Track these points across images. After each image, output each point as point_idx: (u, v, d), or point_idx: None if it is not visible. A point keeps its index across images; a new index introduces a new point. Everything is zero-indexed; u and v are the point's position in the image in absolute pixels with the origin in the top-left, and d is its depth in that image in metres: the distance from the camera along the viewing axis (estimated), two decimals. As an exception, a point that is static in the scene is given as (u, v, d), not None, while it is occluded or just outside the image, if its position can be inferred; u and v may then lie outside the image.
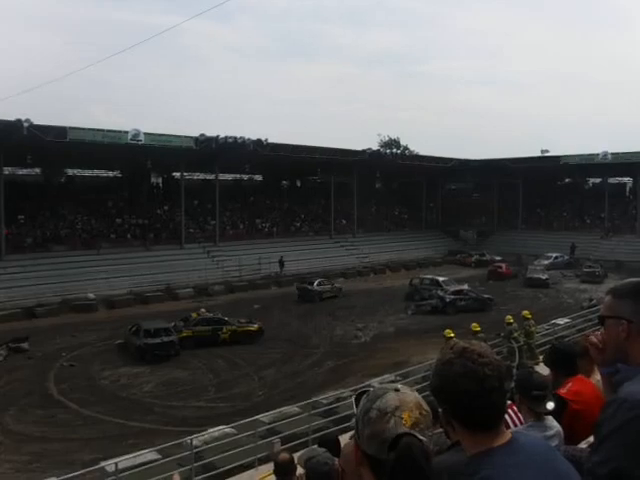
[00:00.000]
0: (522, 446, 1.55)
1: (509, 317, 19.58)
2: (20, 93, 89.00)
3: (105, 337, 26.00)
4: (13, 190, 36.02)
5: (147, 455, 12.02)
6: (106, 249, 38.67)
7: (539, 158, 54.39)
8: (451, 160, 56.21)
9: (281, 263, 42.12)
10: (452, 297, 31.59)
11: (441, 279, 35.73)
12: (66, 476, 10.51)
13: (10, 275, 33.05)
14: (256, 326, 25.99)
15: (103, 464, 11.55)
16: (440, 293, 32.20)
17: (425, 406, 1.52)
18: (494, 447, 1.53)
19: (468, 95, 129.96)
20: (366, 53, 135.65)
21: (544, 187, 57.54)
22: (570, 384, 3.86)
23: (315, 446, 5.23)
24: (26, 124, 31.37)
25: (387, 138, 78.88)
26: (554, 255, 47.21)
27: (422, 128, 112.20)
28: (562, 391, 3.79)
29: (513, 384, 3.71)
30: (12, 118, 31.20)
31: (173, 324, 24.91)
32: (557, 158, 52.90)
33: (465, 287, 33.93)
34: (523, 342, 18.42)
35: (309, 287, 35.64)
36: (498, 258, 48.02)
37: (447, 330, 17.47)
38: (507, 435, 1.57)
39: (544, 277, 39.54)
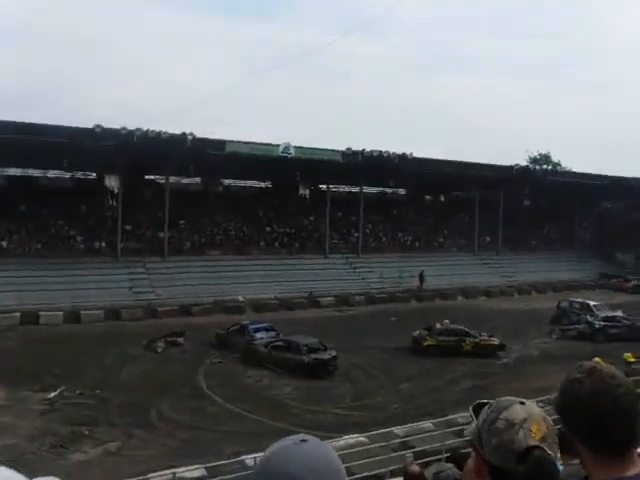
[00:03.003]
0: None
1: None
2: (184, 108, 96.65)
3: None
4: (176, 197, 39.30)
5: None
6: (255, 255, 40.97)
7: None
8: (606, 177, 52.51)
9: (421, 277, 41.91)
10: (603, 323, 29.56)
11: (592, 303, 33.54)
12: (211, 464, 11.42)
13: (171, 275, 36.15)
14: (498, 341, 26.33)
15: (244, 457, 12.39)
16: (589, 318, 30.29)
17: (550, 421, 1.48)
18: (625, 476, 1.45)
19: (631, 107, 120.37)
20: (513, 64, 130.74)
21: None
22: None
23: (444, 462, 5.34)
24: (190, 137, 34.22)
25: (536, 153, 75.62)
26: None
27: (576, 143, 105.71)
28: None
29: None
30: (178, 132, 34.21)
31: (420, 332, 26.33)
32: None
33: (619, 314, 31.62)
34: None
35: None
36: None
37: (627, 354, 16.45)
38: None
39: None
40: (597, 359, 16.29)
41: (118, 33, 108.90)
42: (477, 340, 25.93)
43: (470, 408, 1.63)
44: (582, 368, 1.54)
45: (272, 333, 25.76)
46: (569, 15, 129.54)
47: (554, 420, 1.57)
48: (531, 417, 1.45)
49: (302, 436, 1.32)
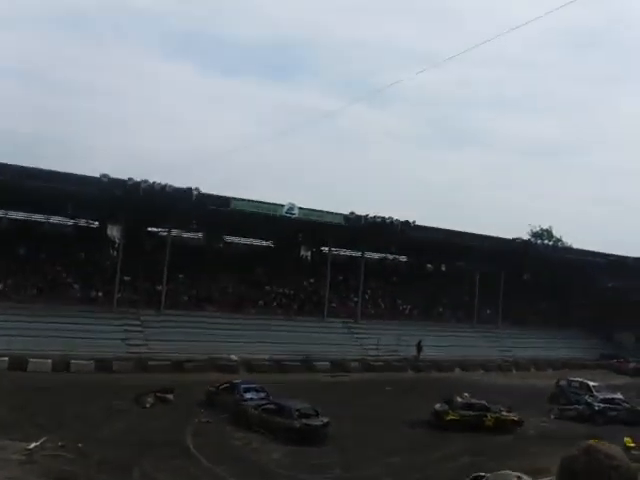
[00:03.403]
0: None
1: (669, 436, 17.58)
2: (193, 165, 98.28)
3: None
4: (177, 251, 39.38)
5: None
6: (252, 314, 40.65)
7: None
8: (608, 256, 52.70)
9: (419, 347, 41.41)
10: (602, 405, 28.97)
11: (592, 384, 32.95)
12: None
13: (165, 329, 35.81)
14: (517, 417, 25.78)
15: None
16: (588, 399, 29.70)
17: None
18: None
19: (628, 187, 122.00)
20: (518, 141, 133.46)
21: None
22: None
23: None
24: (195, 192, 34.53)
25: (538, 228, 76.25)
26: None
27: (578, 220, 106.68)
28: None
29: None
30: (184, 186, 34.55)
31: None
32: None
33: (618, 396, 31.01)
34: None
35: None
36: None
37: (627, 439, 16.03)
38: None
39: None
40: (628, 439, 15.61)
41: (136, 85, 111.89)
42: (498, 415, 25.42)
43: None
44: (579, 446, 1.53)
45: (262, 394, 25.29)
46: (580, 97, 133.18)
47: None
48: None
49: None
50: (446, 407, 25.64)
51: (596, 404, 29.11)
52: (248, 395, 24.92)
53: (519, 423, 25.73)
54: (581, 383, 33.38)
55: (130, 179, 33.12)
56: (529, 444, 23.83)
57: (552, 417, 29.21)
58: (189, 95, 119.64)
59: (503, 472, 1.54)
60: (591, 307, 58.85)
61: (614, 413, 28.56)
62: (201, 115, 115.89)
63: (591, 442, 1.53)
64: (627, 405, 29.64)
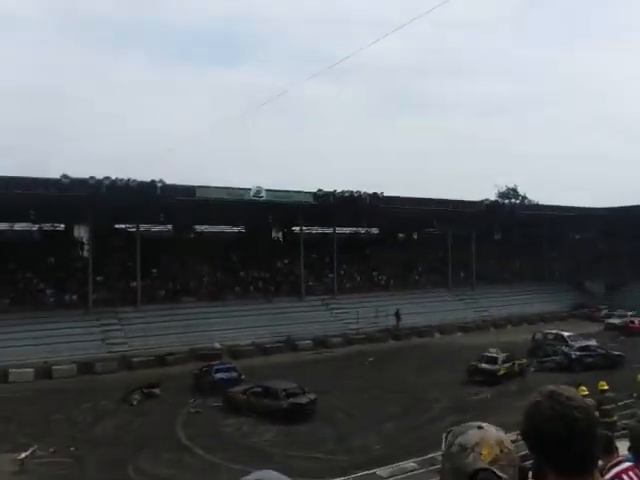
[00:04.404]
0: None
1: (641, 377, 18.32)
2: (154, 157, 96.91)
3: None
4: (148, 246, 39.01)
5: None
6: (231, 301, 40.66)
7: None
8: (574, 209, 53.71)
9: (397, 316, 41.99)
10: (578, 353, 29.92)
11: (566, 334, 33.91)
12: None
13: (145, 325, 35.57)
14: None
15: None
16: (565, 349, 30.61)
17: (508, 444, 1.52)
18: None
19: (588, 140, 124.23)
20: (473, 104, 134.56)
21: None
22: None
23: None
24: (159, 184, 33.98)
25: (504, 188, 77.24)
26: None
27: (539, 176, 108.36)
28: None
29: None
30: (147, 179, 34.04)
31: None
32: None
33: (593, 343, 32.01)
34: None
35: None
36: (630, 313, 44.83)
37: (601, 383, 16.70)
38: None
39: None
40: (583, 387, 16.27)
41: (84, 81, 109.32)
42: (521, 363, 29.27)
43: (443, 436, 1.68)
44: (542, 392, 1.60)
45: (234, 374, 27.06)
46: (534, 55, 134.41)
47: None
48: (483, 441, 1.51)
49: (261, 474, 1.29)
50: (494, 365, 27.87)
51: (572, 353, 30.03)
52: (218, 375, 26.67)
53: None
54: (556, 335, 34.30)
55: (92, 178, 32.37)
56: (511, 399, 24.51)
57: (532, 370, 30.00)
58: (141, 86, 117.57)
59: (465, 424, 1.61)
60: (562, 260, 60.31)
61: (590, 360, 29.50)
62: (155, 105, 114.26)
63: (553, 387, 1.61)
64: (602, 351, 30.62)
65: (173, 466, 17.79)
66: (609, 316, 45.52)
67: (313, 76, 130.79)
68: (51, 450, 18.83)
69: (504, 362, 28.30)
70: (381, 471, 13.99)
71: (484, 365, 28.19)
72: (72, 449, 19.05)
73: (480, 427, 1.56)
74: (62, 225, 42.41)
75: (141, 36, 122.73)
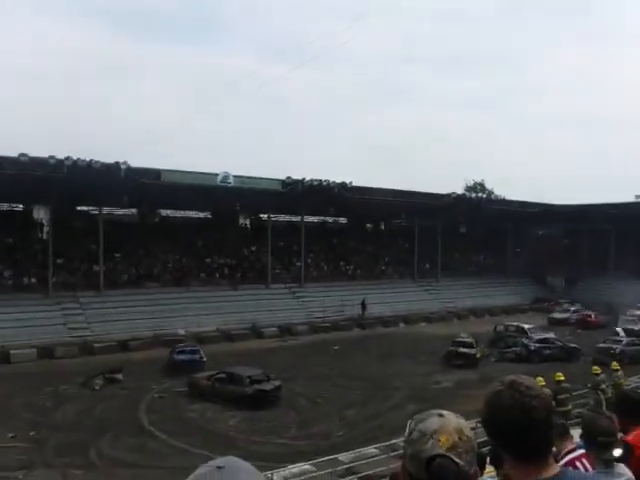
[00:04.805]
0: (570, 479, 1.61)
1: (596, 368, 18.86)
2: (120, 140, 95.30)
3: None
4: (111, 229, 38.39)
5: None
6: (196, 287, 40.38)
7: (633, 204, 51.87)
8: (537, 205, 54.80)
9: (363, 306, 42.33)
10: (537, 345, 30.70)
11: (526, 327, 34.82)
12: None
13: (107, 310, 35.05)
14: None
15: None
16: (525, 341, 31.39)
17: (467, 432, 1.56)
18: (541, 478, 1.59)
19: (557, 136, 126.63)
20: (452, 97, 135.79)
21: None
22: (638, 431, 3.86)
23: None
24: (123, 167, 33.20)
25: (472, 182, 78.27)
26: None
27: (509, 171, 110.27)
28: (629, 437, 3.79)
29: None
30: (111, 161, 33.19)
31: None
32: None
33: (551, 335, 32.89)
34: (611, 394, 17.64)
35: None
36: (573, 308, 47.03)
37: (557, 374, 17.15)
38: (556, 468, 1.63)
39: (637, 328, 37.59)
40: (540, 378, 16.73)
41: (49, 61, 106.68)
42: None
43: (408, 423, 1.72)
44: (503, 382, 1.67)
45: (196, 356, 27.51)
46: (508, 51, 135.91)
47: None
48: (442, 428, 1.55)
49: (222, 461, 1.26)
50: (472, 349, 29.79)
51: (532, 345, 30.78)
52: (180, 357, 27.33)
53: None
54: (517, 327, 35.20)
55: (52, 157, 31.30)
56: (471, 388, 25.02)
57: (492, 360, 30.67)
58: (108, 67, 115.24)
59: (427, 412, 1.66)
60: (525, 255, 61.53)
61: (548, 352, 30.30)
62: (123, 87, 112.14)
63: (512, 377, 1.69)
64: (560, 343, 31.49)
65: (136, 451, 17.68)
66: (551, 311, 47.17)
67: (282, 62, 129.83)
68: (10, 435, 18.51)
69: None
70: (343, 456, 14.16)
71: (463, 349, 29.93)
72: (32, 434, 18.79)
73: (441, 415, 1.61)
74: (20, 206, 41.38)
75: (108, 14, 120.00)
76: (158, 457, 17.09)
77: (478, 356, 29.97)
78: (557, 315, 45.45)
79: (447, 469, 1.48)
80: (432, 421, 1.58)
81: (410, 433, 1.59)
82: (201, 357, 27.50)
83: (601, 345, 30.59)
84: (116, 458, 17.01)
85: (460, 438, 1.53)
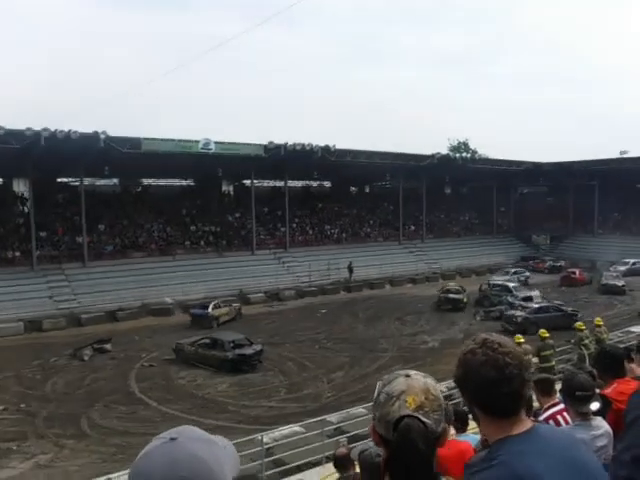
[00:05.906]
0: (542, 435, 1.61)
1: (580, 324, 19.18)
2: (96, 107, 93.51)
3: (182, 339, 27.13)
4: (93, 200, 38.03)
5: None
6: (181, 255, 40.30)
7: (618, 160, 51.96)
8: (523, 163, 54.92)
9: (350, 269, 42.54)
10: (522, 303, 30.93)
11: (511, 285, 35.17)
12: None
13: (93, 281, 34.95)
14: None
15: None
16: (510, 299, 31.72)
17: (433, 391, 1.58)
18: (513, 434, 1.60)
19: (540, 94, 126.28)
20: (432, 55, 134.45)
21: (623, 190, 53.41)
22: (615, 385, 3.96)
23: (369, 440, 5.61)
24: (102, 136, 32.66)
25: (456, 142, 78.00)
26: (632, 261, 45.48)
27: (492, 130, 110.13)
28: (607, 391, 3.90)
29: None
30: (90, 131, 32.75)
31: None
32: (638, 159, 49.35)
33: (536, 293, 33.25)
34: (594, 349, 17.97)
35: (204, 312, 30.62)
36: (547, 264, 47.66)
37: (517, 335, 17.30)
38: (528, 424, 1.63)
39: (620, 284, 38.16)
40: (518, 336, 17.06)
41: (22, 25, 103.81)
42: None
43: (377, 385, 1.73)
44: (476, 339, 1.68)
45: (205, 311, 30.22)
46: (490, 6, 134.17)
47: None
48: (409, 389, 1.57)
49: (175, 432, 1.20)
50: (459, 294, 33.73)
51: (517, 303, 31.04)
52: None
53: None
54: (502, 285, 35.49)
55: (29, 129, 30.76)
56: (457, 346, 25.34)
57: (478, 319, 31.08)
58: (83, 33, 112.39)
59: (393, 373, 1.66)
60: (510, 214, 61.79)
61: (548, 320, 30.17)
62: (98, 54, 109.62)
63: (484, 335, 1.70)
64: (562, 310, 31.40)
65: (127, 419, 17.85)
66: (536, 269, 48.28)
67: (264, 21, 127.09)
68: (1, 408, 18.61)
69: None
70: (331, 417, 14.39)
71: (452, 295, 33.61)
72: (22, 406, 18.89)
73: (407, 375, 1.62)
74: (0, 179, 40.78)
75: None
76: (149, 424, 17.24)
77: (465, 301, 33.61)
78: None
79: (415, 429, 1.50)
80: (399, 382, 1.60)
81: (378, 396, 1.61)
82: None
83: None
84: (108, 427, 17.17)
85: (427, 398, 1.56)
